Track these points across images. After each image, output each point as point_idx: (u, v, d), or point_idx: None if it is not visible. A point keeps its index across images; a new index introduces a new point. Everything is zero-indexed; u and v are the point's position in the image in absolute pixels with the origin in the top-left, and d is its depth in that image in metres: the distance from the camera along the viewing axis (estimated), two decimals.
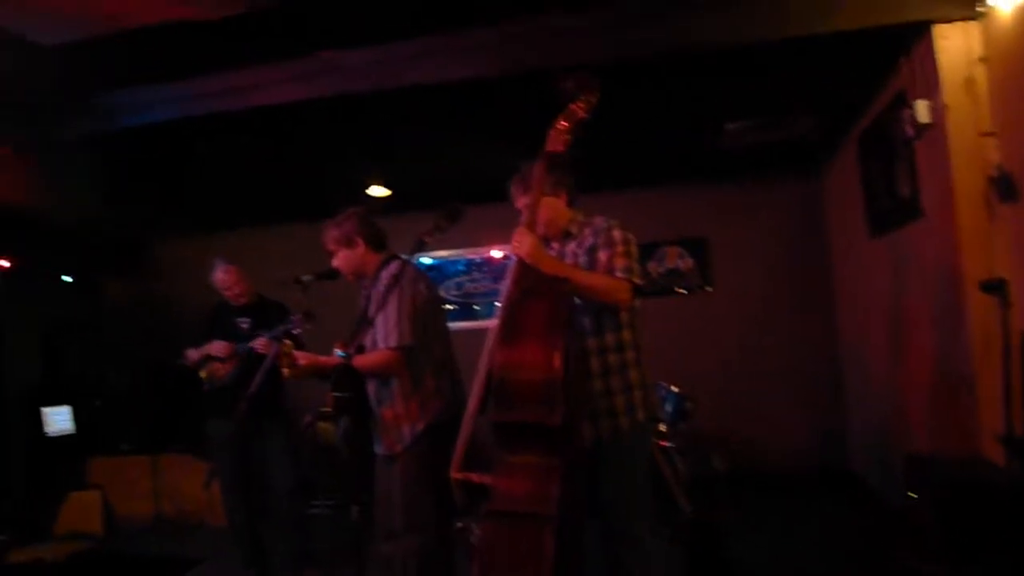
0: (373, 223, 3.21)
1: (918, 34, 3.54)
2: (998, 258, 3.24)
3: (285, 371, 2.96)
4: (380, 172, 5.64)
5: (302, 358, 3.02)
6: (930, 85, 3.53)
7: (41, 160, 4.85)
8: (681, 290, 6.59)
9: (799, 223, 6.36)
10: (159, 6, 3.18)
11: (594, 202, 2.99)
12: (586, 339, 2.56)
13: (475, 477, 2.23)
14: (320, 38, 3.53)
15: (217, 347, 4.10)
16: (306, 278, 3.16)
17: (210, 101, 3.89)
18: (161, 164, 5.12)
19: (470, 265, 7.12)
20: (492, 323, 2.34)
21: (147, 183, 5.64)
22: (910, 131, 3.70)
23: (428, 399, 2.97)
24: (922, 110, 3.54)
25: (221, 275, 4.19)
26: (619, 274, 2.47)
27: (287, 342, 2.98)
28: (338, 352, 2.98)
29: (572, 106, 2.48)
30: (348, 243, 3.14)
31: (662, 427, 4.22)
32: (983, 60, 3.34)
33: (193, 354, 4.25)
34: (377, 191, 5.90)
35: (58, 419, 6.29)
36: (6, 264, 6.09)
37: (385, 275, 3.04)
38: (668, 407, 4.43)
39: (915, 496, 3.11)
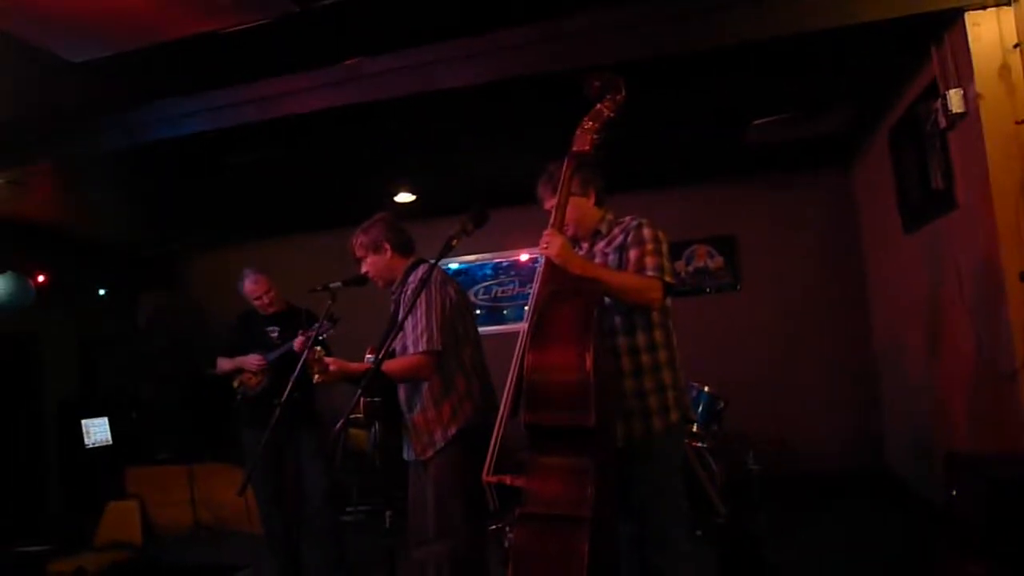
0: (400, 228, 3.21)
1: (950, 22, 3.47)
2: None
3: (316, 377, 2.97)
4: (406, 177, 5.67)
5: (332, 363, 3.03)
6: (963, 74, 3.46)
7: (76, 176, 4.95)
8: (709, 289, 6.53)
9: (829, 219, 6.27)
10: (185, 20, 3.24)
11: (621, 201, 2.96)
12: (617, 338, 2.53)
13: (508, 480, 2.22)
14: (348, 45, 3.56)
15: (252, 361, 4.16)
16: (335, 285, 3.17)
17: (240, 111, 3.95)
18: (192, 177, 5.20)
19: (498, 269, 7.11)
20: (522, 327, 2.32)
21: (179, 196, 5.74)
22: (943, 122, 3.63)
23: (459, 403, 2.96)
24: (955, 100, 3.48)
25: (251, 284, 4.24)
26: (650, 272, 2.43)
27: (317, 348, 2.98)
28: (369, 358, 2.98)
29: (599, 105, 2.46)
30: (376, 249, 3.15)
31: (694, 428, 4.19)
32: (1018, 47, 3.26)
33: (225, 364, 4.31)
34: (403, 196, 5.93)
35: (96, 430, 6.42)
36: (43, 279, 6.22)
37: (413, 279, 3.04)
38: (700, 408, 4.40)
39: (957, 495, 3.04)
